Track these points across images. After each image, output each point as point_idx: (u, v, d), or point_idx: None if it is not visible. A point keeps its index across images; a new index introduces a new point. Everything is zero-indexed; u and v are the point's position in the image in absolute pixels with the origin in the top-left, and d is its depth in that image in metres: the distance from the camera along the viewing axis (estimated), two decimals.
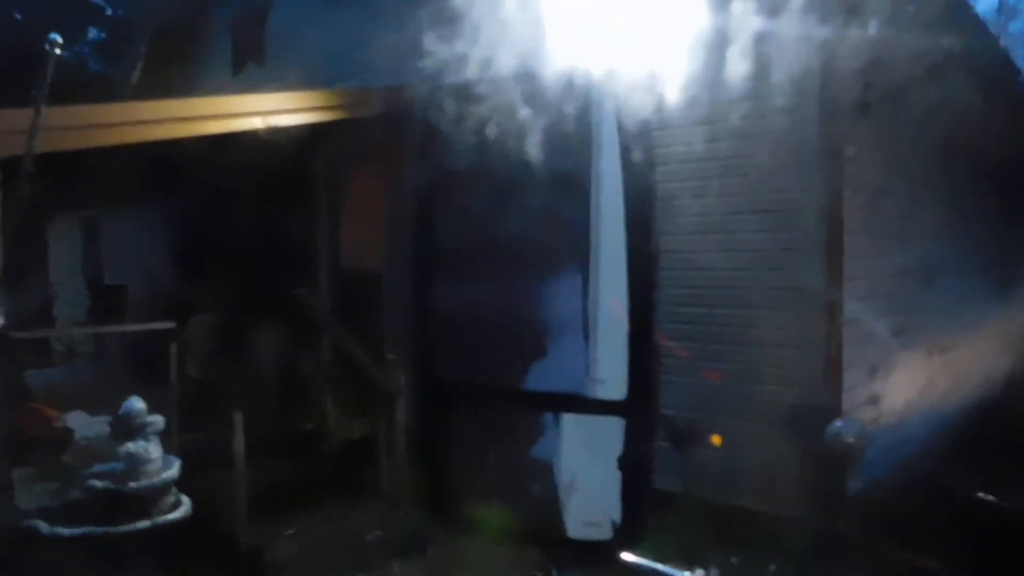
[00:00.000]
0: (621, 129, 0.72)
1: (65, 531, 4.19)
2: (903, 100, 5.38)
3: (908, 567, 4.21)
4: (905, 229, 6.31)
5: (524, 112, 0.77)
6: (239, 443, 4.86)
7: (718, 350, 5.10)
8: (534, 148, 0.78)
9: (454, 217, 0.81)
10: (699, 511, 4.62)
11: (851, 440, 4.73)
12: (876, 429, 5.36)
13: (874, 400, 5.61)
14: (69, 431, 5.56)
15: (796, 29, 4.32)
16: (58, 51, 3.84)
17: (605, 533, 0.77)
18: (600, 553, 0.79)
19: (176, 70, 10.75)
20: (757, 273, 5.13)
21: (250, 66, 9.72)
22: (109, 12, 23.02)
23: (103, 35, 22.79)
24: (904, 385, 5.98)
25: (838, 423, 4.77)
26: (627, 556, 0.80)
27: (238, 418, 4.87)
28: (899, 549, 4.24)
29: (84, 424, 5.76)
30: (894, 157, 5.93)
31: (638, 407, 0.72)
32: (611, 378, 0.73)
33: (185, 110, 5.74)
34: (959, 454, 6.20)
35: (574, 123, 0.76)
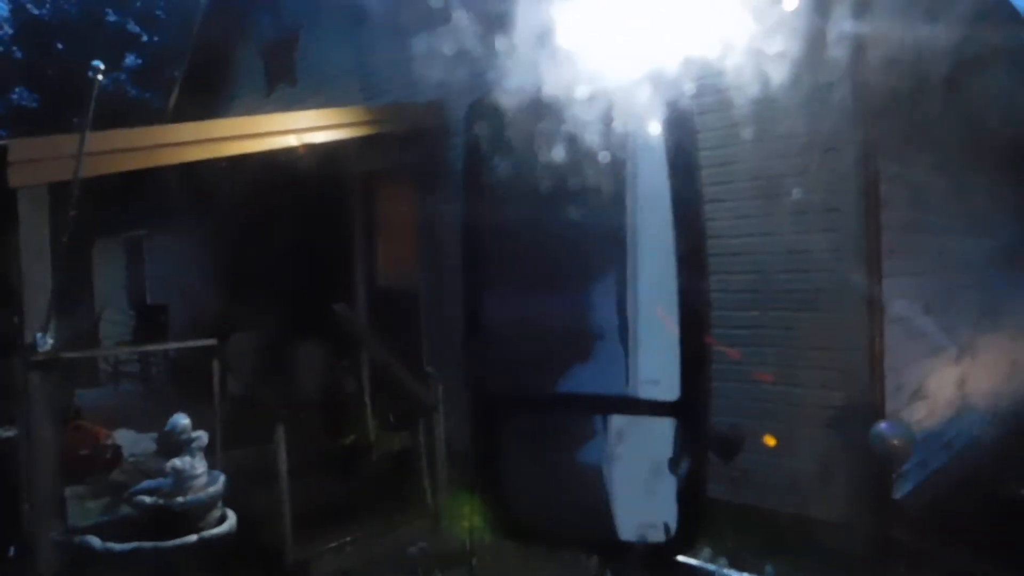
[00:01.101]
0: (664, 133, 0.73)
1: (117, 547, 4.28)
2: (941, 93, 5.30)
3: (957, 570, 4.11)
4: (945, 225, 6.19)
5: (561, 122, 0.78)
6: (282, 458, 4.91)
7: (761, 353, 5.05)
8: (572, 157, 0.79)
9: (493, 229, 0.83)
10: (745, 517, 4.57)
11: (896, 442, 4.64)
12: (921, 430, 5.25)
13: (918, 400, 5.51)
14: (118, 448, 5.69)
15: (834, 22, 4.29)
16: (100, 77, 3.96)
17: (659, 536, 0.77)
18: (655, 556, 0.80)
19: (211, 93, 10.99)
20: (798, 275, 5.07)
21: (282, 87, 9.91)
22: (145, 39, 23.64)
23: (140, 61, 23.39)
24: (948, 384, 5.86)
25: (882, 425, 4.69)
26: (683, 559, 0.80)
27: (280, 433, 4.93)
28: (948, 551, 4.15)
29: (132, 441, 5.89)
30: (932, 152, 5.84)
31: (691, 407, 0.72)
32: (662, 379, 0.74)
33: (221, 130, 5.87)
34: (1005, 453, 6.05)
35: (613, 129, 0.77)
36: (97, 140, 4.57)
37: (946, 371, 5.83)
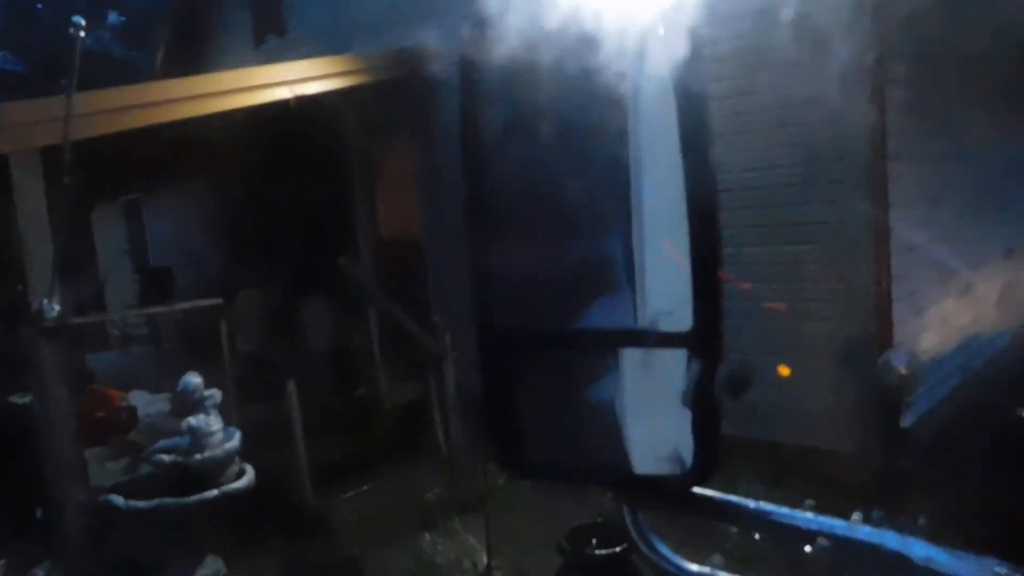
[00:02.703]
0: (671, 65, 0.70)
1: (140, 504, 4.36)
2: (947, 20, 5.15)
3: (966, 496, 4.16)
4: (951, 154, 6.10)
5: (562, 52, 0.75)
6: (295, 412, 4.97)
7: (770, 289, 5.03)
8: (575, 94, 0.76)
9: (496, 172, 0.81)
10: (755, 452, 4.62)
11: (903, 371, 4.65)
12: (929, 359, 5.27)
13: (927, 329, 5.51)
14: (133, 410, 5.75)
15: None
16: (82, 34, 3.87)
17: (675, 468, 0.77)
18: (671, 488, 0.80)
19: (198, 49, 10.78)
20: (804, 208, 5.02)
21: (271, 38, 9.71)
22: None
23: (124, 19, 22.93)
24: (956, 311, 5.85)
25: (890, 355, 4.70)
26: (698, 490, 0.80)
27: (292, 388, 4.97)
28: (956, 478, 4.20)
29: (146, 402, 5.96)
30: (939, 80, 5.71)
31: (704, 337, 0.71)
32: (674, 310, 0.72)
33: (211, 86, 5.77)
34: (1014, 379, 6.08)
35: (618, 60, 0.73)
36: (85, 101, 4.50)
37: (954, 299, 5.82)
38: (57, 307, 4.50)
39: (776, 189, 5.11)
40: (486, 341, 0.91)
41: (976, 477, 4.14)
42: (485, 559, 3.65)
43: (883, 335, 4.84)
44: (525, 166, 0.89)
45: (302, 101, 5.93)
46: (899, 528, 0.76)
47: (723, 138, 4.98)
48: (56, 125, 4.12)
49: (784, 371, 4.74)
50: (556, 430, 0.96)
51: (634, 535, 0.94)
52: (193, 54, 10.65)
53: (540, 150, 0.87)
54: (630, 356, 0.86)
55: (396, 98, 6.87)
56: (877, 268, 4.81)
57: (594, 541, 3.06)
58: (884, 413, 4.90)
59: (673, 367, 0.81)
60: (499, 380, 0.92)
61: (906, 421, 5.05)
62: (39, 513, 4.55)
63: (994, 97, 6.73)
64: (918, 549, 0.70)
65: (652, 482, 0.88)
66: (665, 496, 0.90)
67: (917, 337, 5.38)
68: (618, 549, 2.84)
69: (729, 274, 4.56)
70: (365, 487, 5.25)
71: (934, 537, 0.73)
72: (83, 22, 3.85)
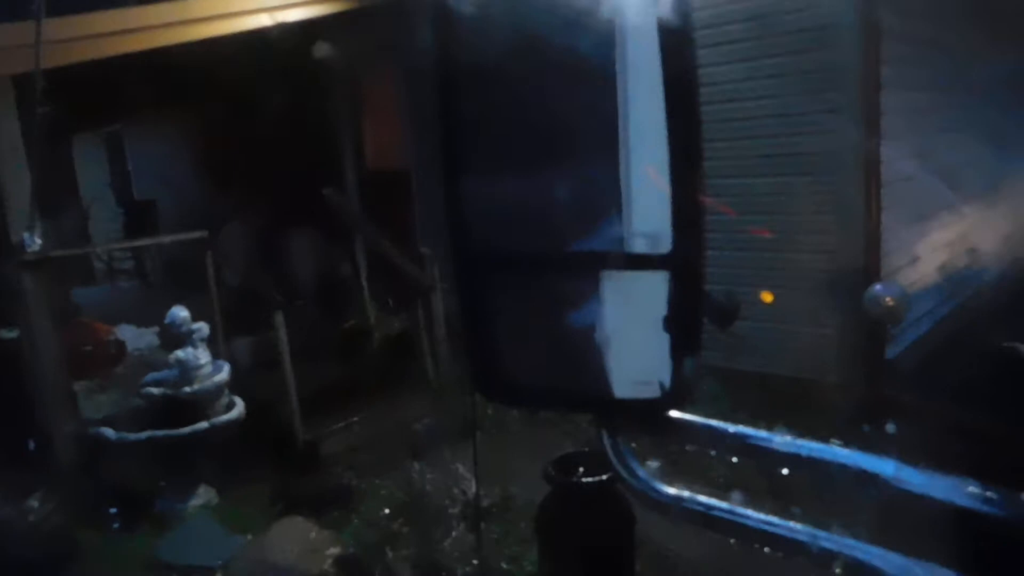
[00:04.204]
0: None
1: (131, 436, 4.40)
2: None
3: (948, 423, 4.24)
4: (944, 83, 6.00)
5: None
6: (283, 344, 4.98)
7: (759, 220, 5.01)
8: (558, 24, 0.72)
9: (474, 98, 0.78)
10: (741, 382, 4.68)
11: (891, 303, 4.68)
12: (917, 290, 5.29)
13: (913, 262, 5.52)
14: (121, 343, 5.76)
15: None
16: None
17: (654, 392, 0.76)
18: (649, 412, 0.79)
19: None
20: (794, 139, 4.96)
21: None
22: None
23: None
24: (946, 243, 5.86)
25: (877, 286, 4.72)
26: (676, 414, 0.79)
27: (280, 320, 4.96)
28: (939, 407, 4.27)
29: (134, 336, 5.96)
30: (932, 7, 5.57)
31: (684, 260, 0.69)
32: (654, 232, 0.70)
33: (190, 12, 5.56)
34: (1002, 309, 6.13)
35: None
36: (57, 26, 4.33)
37: (944, 230, 5.81)
38: (39, 240, 4.44)
39: (766, 120, 5.04)
40: (464, 267, 0.89)
41: (957, 405, 4.21)
42: (473, 487, 3.71)
43: (871, 267, 4.85)
44: (504, 91, 0.86)
45: (285, 28, 5.75)
46: (877, 451, 0.76)
47: (713, 67, 4.88)
48: (27, 52, 3.98)
49: (767, 297, 4.77)
50: (536, 355, 0.95)
51: (614, 459, 0.93)
52: None
53: (519, 75, 0.83)
54: (610, 281, 0.84)
55: (381, 25, 6.66)
56: (867, 199, 4.79)
57: (581, 469, 3.11)
58: (869, 344, 4.95)
59: (653, 291, 0.79)
60: (478, 306, 0.90)
61: (891, 352, 5.11)
62: (31, 445, 4.58)
63: (998, 26, 6.59)
64: (891, 469, 0.70)
65: (631, 406, 0.87)
66: (644, 420, 0.89)
67: (905, 269, 5.39)
68: (604, 477, 2.88)
69: (712, 199, 4.54)
70: (355, 417, 5.30)
71: (911, 460, 0.72)
72: None
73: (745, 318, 4.56)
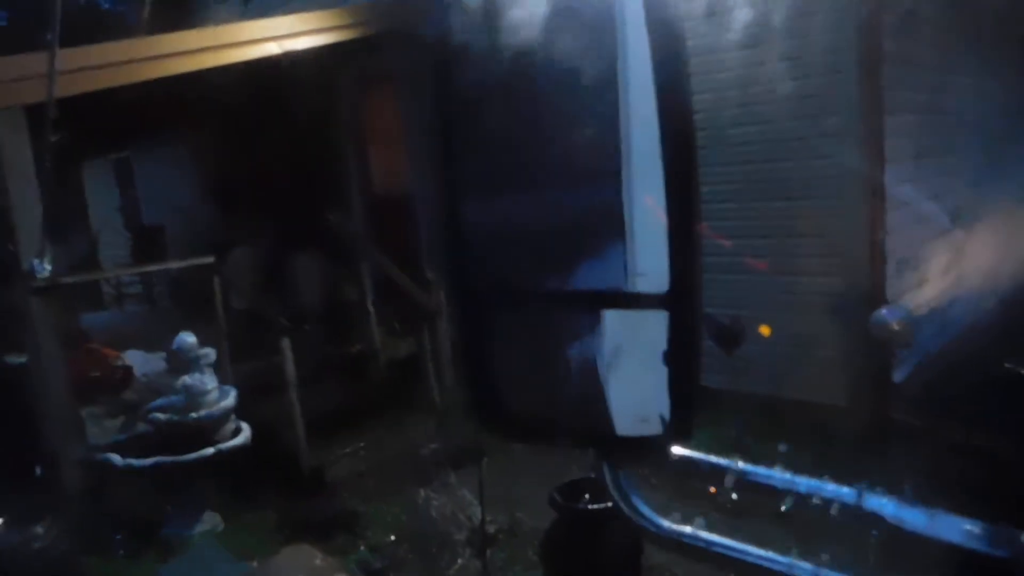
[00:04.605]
0: (649, 22, 0.68)
1: (137, 462, 4.40)
2: None
3: (956, 447, 4.21)
4: (947, 106, 6.02)
5: (545, 15, 0.73)
6: (290, 369, 4.99)
7: (759, 244, 5.02)
8: (558, 51, 0.74)
9: (480, 130, 0.79)
10: (748, 405, 4.65)
11: (896, 326, 4.67)
12: (922, 313, 5.28)
13: (918, 285, 5.51)
14: (129, 369, 5.77)
15: None
16: None
17: (655, 428, 0.77)
18: (650, 448, 0.80)
19: (186, 2, 10.55)
20: (797, 163, 4.98)
21: None
22: None
23: None
24: (950, 266, 5.85)
25: (883, 310, 4.70)
26: (678, 450, 0.80)
27: (286, 345, 4.98)
28: (946, 430, 4.24)
29: (142, 361, 5.97)
30: (933, 31, 5.61)
31: (681, 298, 0.70)
32: (652, 271, 0.71)
33: (199, 41, 5.65)
34: (1007, 332, 6.10)
35: (599, 22, 0.71)
36: (70, 57, 4.41)
37: (948, 253, 5.81)
38: (48, 266, 4.48)
39: (769, 144, 5.06)
40: (463, 301, 0.90)
41: (964, 429, 4.18)
42: (479, 513, 3.70)
43: (876, 291, 4.85)
44: (500, 123, 0.88)
45: (292, 56, 5.82)
46: (884, 485, 0.77)
47: (715, 93, 4.92)
48: (41, 82, 4.05)
49: (765, 331, 4.75)
50: (537, 390, 0.96)
51: (614, 493, 0.94)
52: (180, 9, 10.42)
53: (518, 115, 0.85)
54: (610, 316, 0.86)
55: (385, 51, 6.74)
56: (871, 223, 4.79)
57: (587, 496, 3.10)
58: (876, 368, 4.93)
59: (652, 328, 0.81)
60: (478, 340, 0.92)
61: (897, 376, 5.09)
62: (38, 471, 4.59)
63: (999, 49, 6.62)
64: (892, 509, 0.71)
65: (631, 442, 0.88)
66: (643, 455, 0.90)
67: (911, 292, 5.39)
68: (610, 503, 2.87)
69: (710, 229, 4.56)
70: (361, 443, 5.29)
71: (917, 486, 0.73)
72: None
73: (751, 342, 4.55)
